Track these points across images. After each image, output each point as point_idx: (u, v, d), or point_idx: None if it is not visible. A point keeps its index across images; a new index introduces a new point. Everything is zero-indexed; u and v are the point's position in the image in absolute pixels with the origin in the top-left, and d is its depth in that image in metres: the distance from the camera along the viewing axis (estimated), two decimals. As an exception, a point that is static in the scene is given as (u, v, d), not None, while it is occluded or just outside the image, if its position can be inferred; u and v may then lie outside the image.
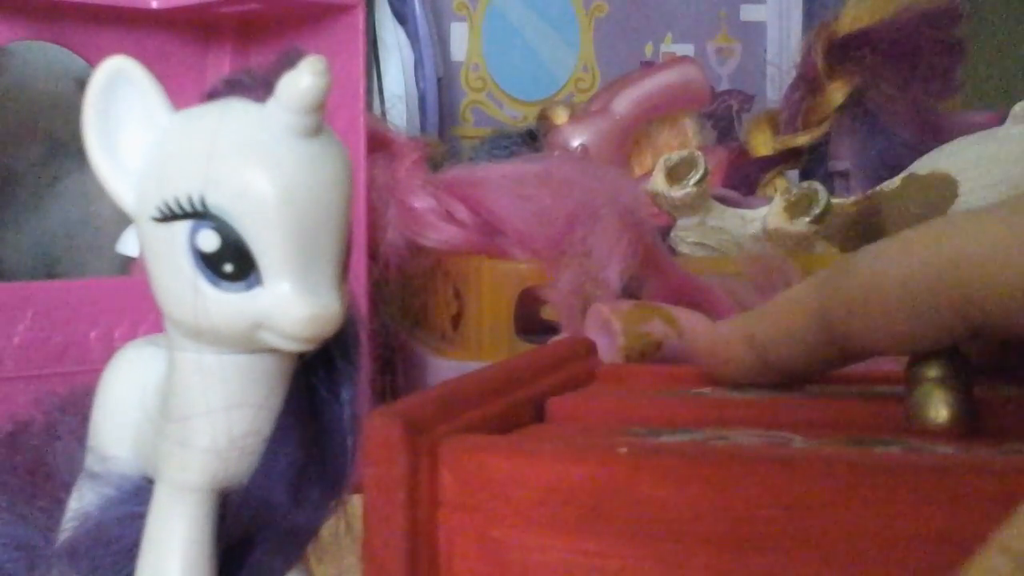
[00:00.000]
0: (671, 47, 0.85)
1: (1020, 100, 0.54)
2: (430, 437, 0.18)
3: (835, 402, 0.22)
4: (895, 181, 0.55)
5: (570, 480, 0.17)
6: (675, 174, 0.49)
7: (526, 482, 0.17)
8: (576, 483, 0.17)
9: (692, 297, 0.44)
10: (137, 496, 0.24)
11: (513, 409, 0.21)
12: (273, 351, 0.22)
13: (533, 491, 0.17)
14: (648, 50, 0.85)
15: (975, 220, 0.19)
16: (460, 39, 0.81)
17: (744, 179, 0.70)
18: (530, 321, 0.48)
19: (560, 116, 0.70)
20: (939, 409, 0.20)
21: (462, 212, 0.50)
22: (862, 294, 0.20)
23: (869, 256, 0.20)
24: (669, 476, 0.16)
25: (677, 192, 0.49)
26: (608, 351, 0.41)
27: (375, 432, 0.17)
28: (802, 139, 0.69)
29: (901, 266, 0.19)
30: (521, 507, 0.17)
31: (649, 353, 0.40)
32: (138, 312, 0.46)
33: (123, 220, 0.50)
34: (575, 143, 0.68)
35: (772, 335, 0.22)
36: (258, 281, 0.21)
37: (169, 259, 0.21)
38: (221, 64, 0.52)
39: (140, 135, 0.22)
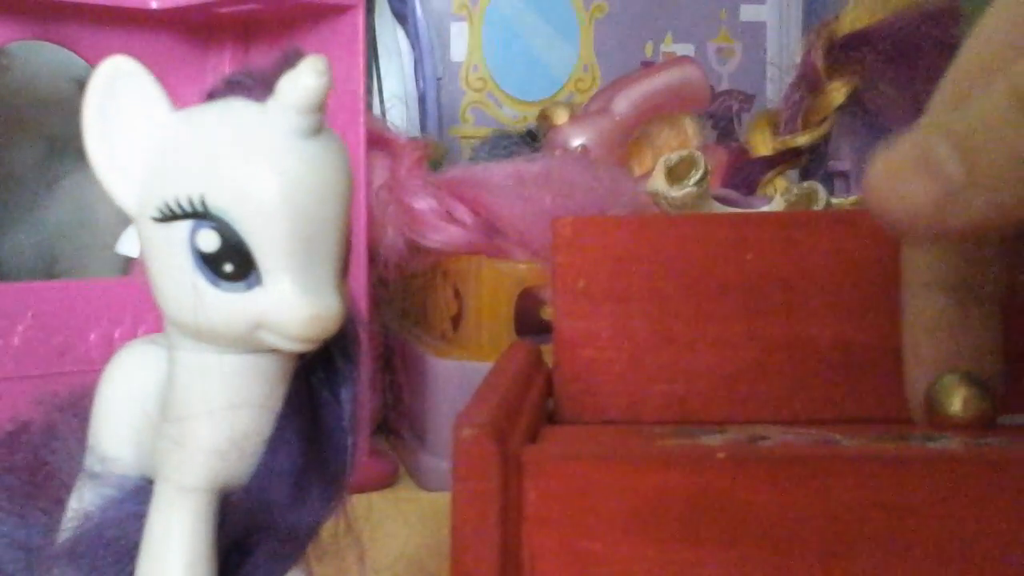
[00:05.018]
0: (671, 47, 0.85)
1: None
2: (513, 448, 0.17)
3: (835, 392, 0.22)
4: (895, 181, 0.55)
5: (667, 487, 0.16)
6: (675, 174, 0.49)
7: (618, 491, 0.17)
8: (674, 490, 0.16)
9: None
10: (137, 496, 0.24)
11: (534, 412, 0.21)
12: (273, 351, 0.22)
13: (626, 500, 0.16)
14: (648, 50, 0.85)
15: None
16: (460, 39, 0.81)
17: (744, 179, 0.70)
18: (530, 321, 0.48)
19: (560, 116, 0.70)
20: (958, 403, 0.20)
21: (462, 212, 0.50)
22: None
23: None
24: (771, 480, 0.16)
25: (677, 192, 0.49)
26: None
27: (467, 445, 0.17)
28: (802, 139, 0.69)
29: None
30: (613, 517, 0.17)
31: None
32: (138, 312, 0.46)
33: (123, 220, 0.50)
34: (575, 143, 0.68)
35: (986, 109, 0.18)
36: (258, 281, 0.21)
37: (169, 259, 0.21)
38: (221, 64, 0.52)
39: (140, 135, 0.22)
